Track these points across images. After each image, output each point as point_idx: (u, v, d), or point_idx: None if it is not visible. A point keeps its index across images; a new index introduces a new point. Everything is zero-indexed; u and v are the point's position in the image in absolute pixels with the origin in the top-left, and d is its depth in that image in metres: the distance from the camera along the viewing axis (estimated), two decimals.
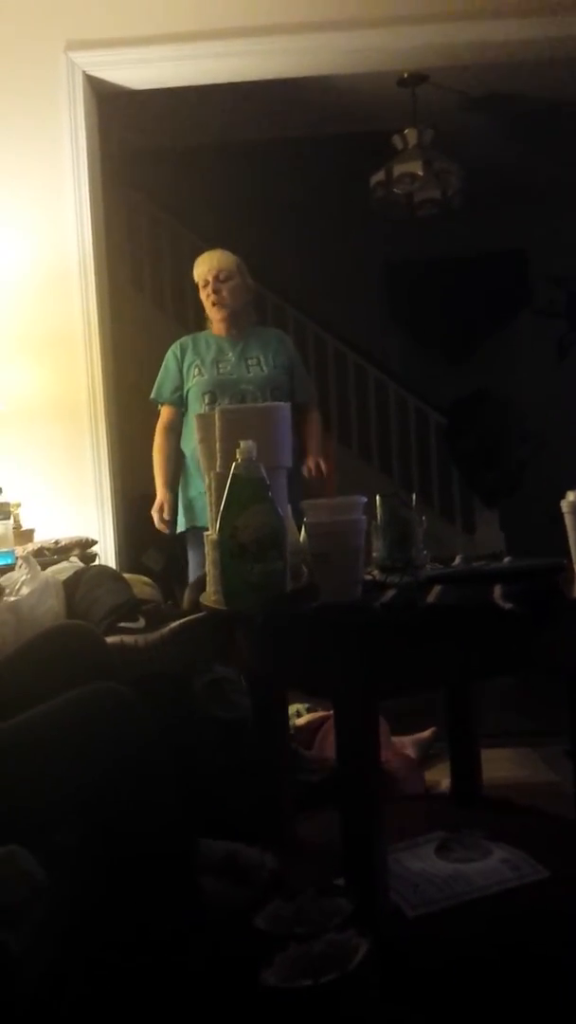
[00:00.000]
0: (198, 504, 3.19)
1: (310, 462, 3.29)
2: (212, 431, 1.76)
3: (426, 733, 2.70)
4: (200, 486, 3.10)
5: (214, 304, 3.23)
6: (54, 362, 3.29)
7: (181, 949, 1.22)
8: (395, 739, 2.65)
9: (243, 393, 3.14)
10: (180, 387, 3.24)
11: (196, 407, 3.17)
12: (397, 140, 4.45)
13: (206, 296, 3.24)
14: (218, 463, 1.73)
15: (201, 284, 3.26)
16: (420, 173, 4.36)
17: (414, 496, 1.83)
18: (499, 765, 2.48)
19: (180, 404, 3.26)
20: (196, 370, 3.20)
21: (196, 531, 3.16)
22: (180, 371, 3.24)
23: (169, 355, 3.29)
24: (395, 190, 4.45)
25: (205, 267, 3.25)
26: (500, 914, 1.54)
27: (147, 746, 1.30)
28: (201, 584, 2.28)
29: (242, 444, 1.55)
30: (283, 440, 1.74)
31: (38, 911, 1.08)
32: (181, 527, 3.25)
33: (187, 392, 3.23)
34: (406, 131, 4.40)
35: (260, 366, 3.20)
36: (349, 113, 4.43)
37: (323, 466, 3.30)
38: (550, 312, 6.26)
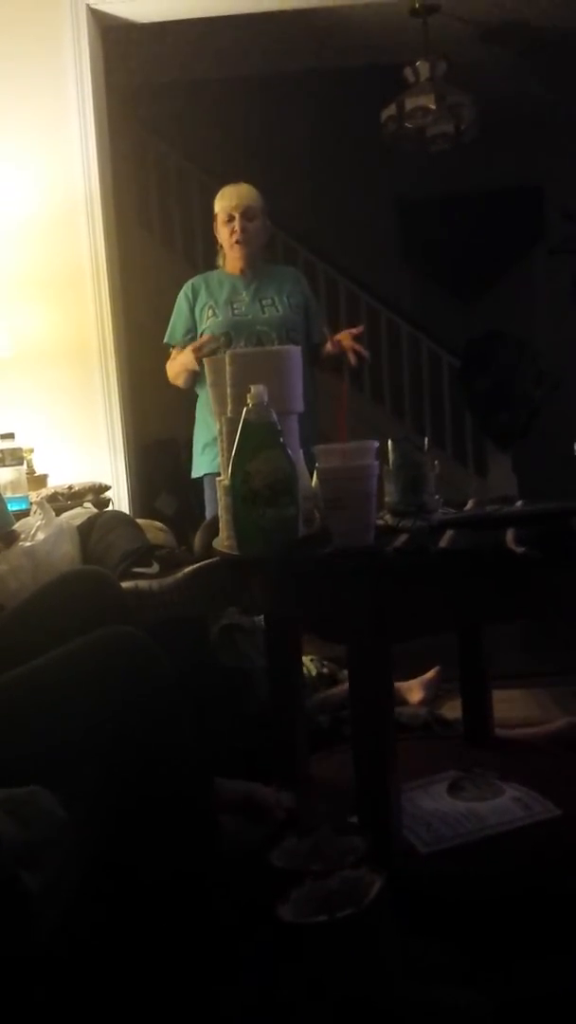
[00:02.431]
0: (213, 450, 3.13)
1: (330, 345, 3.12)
2: (223, 375, 1.75)
3: (431, 673, 2.73)
4: (214, 431, 3.06)
5: (237, 242, 3.07)
6: (62, 304, 3.27)
7: (199, 887, 1.25)
8: (398, 684, 2.69)
9: (259, 335, 3.03)
10: (193, 329, 3.14)
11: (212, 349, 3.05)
12: (409, 73, 4.33)
13: (228, 232, 3.08)
14: (229, 408, 1.72)
15: (223, 218, 3.09)
16: (432, 106, 4.25)
17: (426, 440, 1.82)
18: (510, 706, 2.51)
19: None
20: (210, 311, 3.09)
21: (212, 477, 3.09)
22: (192, 312, 3.14)
23: (181, 296, 3.19)
24: (407, 124, 4.35)
25: (231, 201, 3.08)
26: (511, 851, 1.57)
27: (163, 688, 1.31)
28: (212, 526, 2.30)
29: (252, 389, 1.54)
30: (295, 384, 1.73)
31: (58, 851, 1.10)
32: (197, 473, 3.19)
33: (201, 334, 3.12)
34: (418, 63, 4.28)
35: (275, 306, 3.10)
36: (359, 45, 4.32)
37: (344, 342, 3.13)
38: (566, 249, 6.15)
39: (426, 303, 6.26)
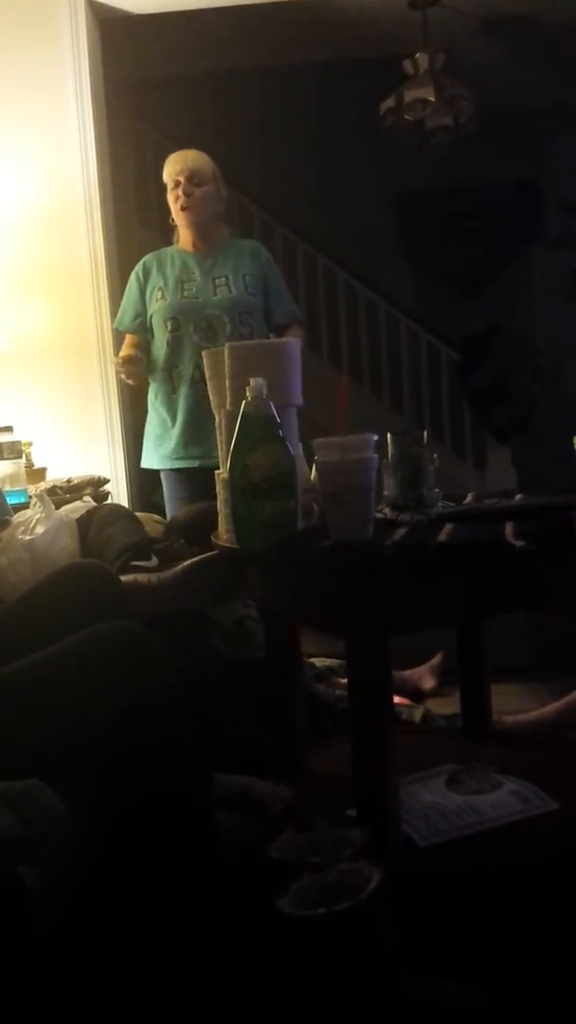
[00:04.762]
0: (167, 444, 2.95)
1: None
2: (221, 368, 1.75)
3: (436, 659, 2.77)
4: (168, 424, 2.92)
5: (182, 208, 2.87)
6: (61, 299, 3.26)
7: (197, 881, 1.25)
8: (412, 671, 2.73)
9: (209, 319, 2.84)
10: (142, 313, 2.94)
11: (159, 335, 2.90)
12: (408, 65, 4.31)
13: (174, 199, 2.89)
14: (228, 401, 1.72)
15: (170, 185, 2.89)
16: (431, 99, 4.24)
17: (425, 433, 1.82)
18: (509, 699, 2.51)
19: (143, 332, 2.95)
20: (159, 293, 2.90)
21: (169, 473, 2.96)
22: (142, 295, 2.94)
23: (132, 277, 2.97)
24: (406, 117, 4.34)
25: (177, 166, 2.88)
26: (509, 845, 1.57)
27: (162, 683, 1.31)
28: (200, 512, 2.29)
29: (252, 382, 1.54)
30: (294, 377, 1.72)
31: (56, 846, 1.10)
32: (148, 464, 3.04)
33: (150, 318, 2.93)
34: (417, 56, 4.26)
35: (228, 287, 2.88)
36: (358, 37, 4.30)
37: None
38: (564, 244, 6.14)
39: (425, 297, 6.24)
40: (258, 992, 1.20)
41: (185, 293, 2.89)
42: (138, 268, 2.99)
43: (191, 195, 2.87)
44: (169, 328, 2.88)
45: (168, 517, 2.81)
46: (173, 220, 2.98)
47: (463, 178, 5.96)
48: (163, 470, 3.00)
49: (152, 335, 2.95)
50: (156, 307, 2.92)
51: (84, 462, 3.19)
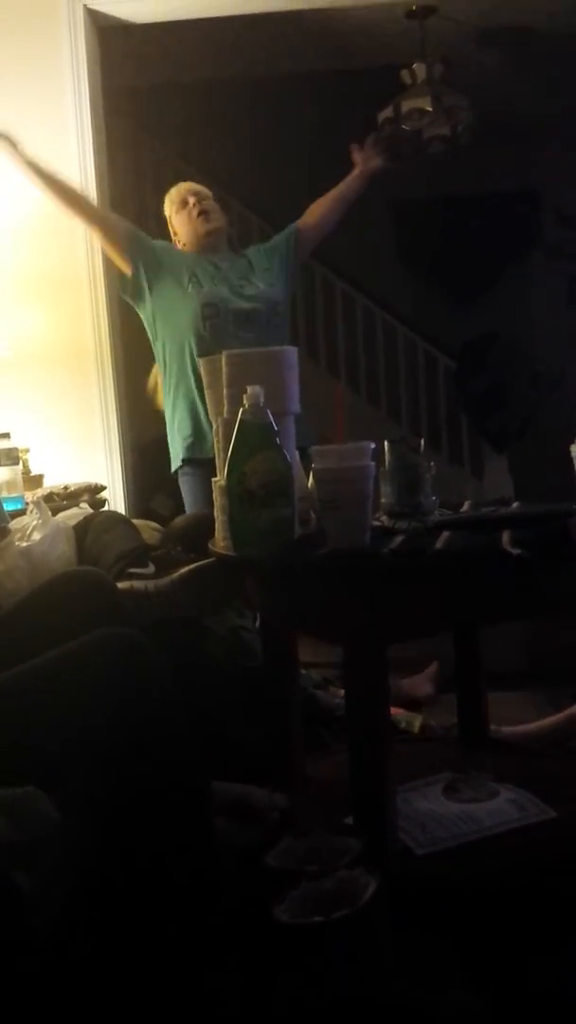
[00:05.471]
0: (196, 432, 2.82)
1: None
2: (219, 376, 1.75)
3: (433, 667, 2.78)
4: (197, 407, 2.82)
5: (200, 213, 2.93)
6: (60, 306, 3.27)
7: (194, 889, 1.25)
8: (410, 679, 2.73)
9: (246, 310, 2.83)
10: (145, 247, 2.90)
11: (189, 322, 2.83)
12: (405, 75, 4.33)
13: (187, 212, 2.94)
14: (225, 409, 1.72)
15: (179, 204, 2.96)
16: (429, 109, 4.25)
17: (422, 441, 1.82)
18: (505, 708, 2.51)
19: (132, 240, 2.92)
20: (189, 282, 2.87)
21: (190, 464, 2.87)
22: (162, 249, 2.93)
23: (159, 241, 2.99)
24: (403, 126, 4.35)
25: (186, 186, 3.00)
26: (507, 853, 1.57)
27: (159, 690, 1.31)
28: (198, 518, 2.29)
29: (249, 389, 1.54)
30: (291, 385, 1.73)
31: (52, 852, 1.10)
32: (201, 453, 2.80)
33: (182, 298, 2.87)
34: (415, 66, 4.28)
35: (253, 284, 2.92)
36: (356, 47, 4.33)
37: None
38: (561, 252, 6.16)
39: (422, 305, 6.25)
40: (256, 1000, 1.20)
41: (216, 283, 2.89)
42: (162, 242, 3.01)
43: (207, 205, 2.97)
44: (207, 315, 2.83)
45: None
46: (174, 231, 3.01)
47: (461, 187, 5.98)
48: (203, 459, 2.78)
49: (170, 325, 2.90)
50: (190, 292, 2.86)
51: (81, 469, 3.19)
